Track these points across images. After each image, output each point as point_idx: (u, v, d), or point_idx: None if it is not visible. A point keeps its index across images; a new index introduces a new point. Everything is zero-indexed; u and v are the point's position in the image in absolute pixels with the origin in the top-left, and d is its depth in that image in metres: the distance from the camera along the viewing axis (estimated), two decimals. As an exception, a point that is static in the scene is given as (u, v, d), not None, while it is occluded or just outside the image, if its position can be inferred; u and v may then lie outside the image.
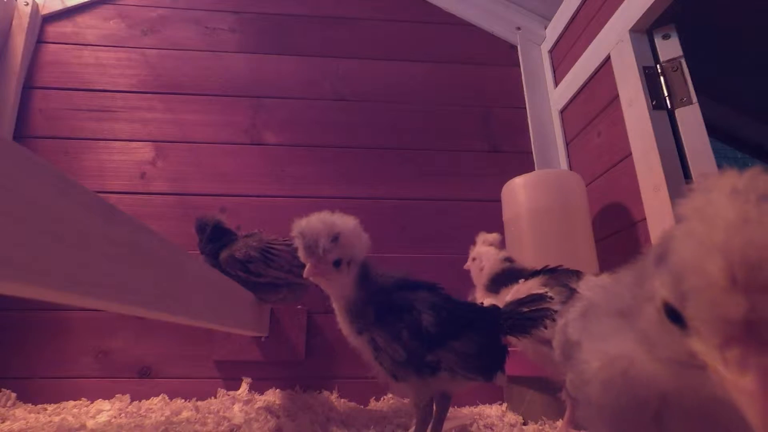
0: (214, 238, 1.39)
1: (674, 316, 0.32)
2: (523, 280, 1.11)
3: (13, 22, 1.85)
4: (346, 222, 0.89)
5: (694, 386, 0.34)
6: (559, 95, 1.95)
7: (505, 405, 1.44)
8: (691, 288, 0.29)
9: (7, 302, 1.51)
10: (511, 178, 1.56)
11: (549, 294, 0.92)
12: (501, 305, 0.98)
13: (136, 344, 1.58)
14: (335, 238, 0.85)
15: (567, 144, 1.90)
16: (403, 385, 0.93)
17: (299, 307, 1.61)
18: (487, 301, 1.03)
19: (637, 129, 1.39)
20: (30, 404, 1.45)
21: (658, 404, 0.40)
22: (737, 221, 0.28)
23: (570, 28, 1.90)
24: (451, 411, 1.28)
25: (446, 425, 1.00)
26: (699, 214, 0.30)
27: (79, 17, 1.98)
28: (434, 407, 0.97)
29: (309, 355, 1.59)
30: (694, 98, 1.33)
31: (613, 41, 1.52)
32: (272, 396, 1.48)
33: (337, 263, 0.87)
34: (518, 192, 1.53)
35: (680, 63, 1.36)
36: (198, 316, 0.77)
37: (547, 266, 1.08)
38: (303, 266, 1.17)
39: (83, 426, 1.20)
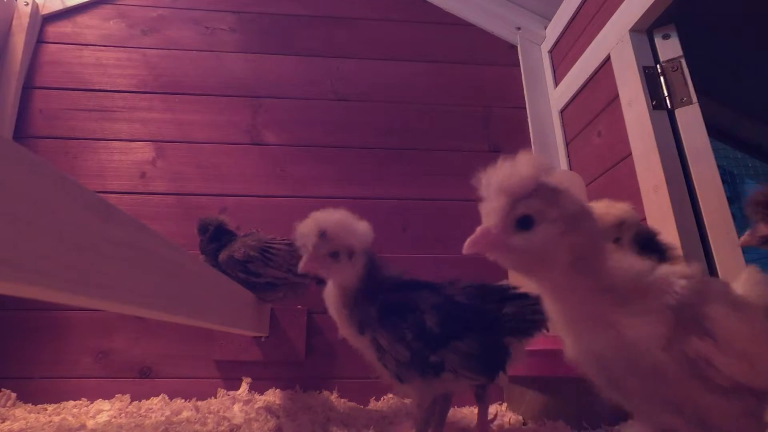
0: (215, 238, 1.39)
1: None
2: None
3: (13, 22, 1.85)
4: (331, 216, 0.92)
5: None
6: (559, 95, 1.95)
7: (504, 405, 1.44)
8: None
9: (7, 302, 1.51)
10: (511, 178, 1.56)
11: None
12: None
13: (136, 344, 1.58)
14: (322, 234, 0.89)
15: (567, 144, 1.90)
16: (407, 386, 0.93)
17: (299, 307, 1.61)
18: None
19: (637, 129, 1.39)
20: (30, 404, 1.45)
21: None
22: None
23: (570, 28, 1.90)
24: (451, 411, 1.28)
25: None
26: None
27: (79, 17, 1.98)
28: (435, 407, 0.97)
29: (309, 355, 1.59)
30: (694, 98, 1.33)
31: (613, 41, 1.52)
32: (272, 396, 1.48)
33: (334, 255, 0.90)
34: (518, 192, 1.52)
35: (680, 63, 1.36)
36: (198, 316, 0.77)
37: None
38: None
39: (83, 426, 1.20)
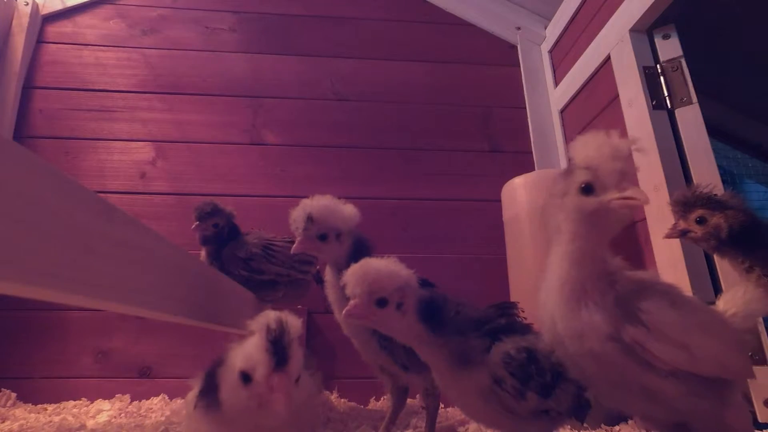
0: (223, 234, 1.36)
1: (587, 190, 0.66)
2: None
3: (13, 22, 1.84)
4: (317, 202, 1.00)
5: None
6: (559, 95, 1.95)
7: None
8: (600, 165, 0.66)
9: (7, 302, 1.51)
10: (511, 178, 1.56)
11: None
12: None
13: (136, 344, 1.58)
14: (310, 218, 0.98)
15: (567, 144, 1.90)
16: (413, 376, 0.93)
17: (299, 307, 1.61)
18: None
19: (637, 129, 1.39)
20: (30, 404, 1.45)
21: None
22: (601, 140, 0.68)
23: (570, 28, 1.90)
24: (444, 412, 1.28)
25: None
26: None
27: (79, 17, 1.97)
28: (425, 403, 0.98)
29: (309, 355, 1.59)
30: (694, 98, 1.32)
31: (613, 41, 1.52)
32: (272, 396, 1.48)
33: (322, 237, 0.98)
34: (518, 192, 1.52)
35: (680, 63, 1.36)
36: (198, 316, 0.77)
37: None
38: (303, 262, 1.21)
39: (83, 426, 1.20)
